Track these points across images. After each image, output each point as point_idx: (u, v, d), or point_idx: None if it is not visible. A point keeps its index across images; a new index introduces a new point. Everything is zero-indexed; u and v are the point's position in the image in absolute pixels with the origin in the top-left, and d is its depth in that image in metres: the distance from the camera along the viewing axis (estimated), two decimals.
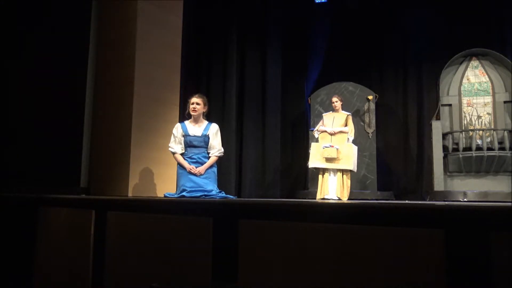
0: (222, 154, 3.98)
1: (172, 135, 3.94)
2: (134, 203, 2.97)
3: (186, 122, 3.96)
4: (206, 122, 3.96)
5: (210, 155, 3.89)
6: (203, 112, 3.96)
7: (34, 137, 4.67)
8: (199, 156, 3.85)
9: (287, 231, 2.00)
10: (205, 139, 3.87)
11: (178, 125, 3.98)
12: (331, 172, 5.15)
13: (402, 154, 7.11)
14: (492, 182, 6.11)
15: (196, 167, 3.79)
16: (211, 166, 3.90)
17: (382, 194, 6.46)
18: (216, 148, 3.90)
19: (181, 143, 3.91)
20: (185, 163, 3.83)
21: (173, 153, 3.93)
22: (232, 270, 2.13)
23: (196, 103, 3.90)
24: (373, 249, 1.76)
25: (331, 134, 5.21)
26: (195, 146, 3.87)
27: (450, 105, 6.57)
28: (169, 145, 3.94)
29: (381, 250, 1.74)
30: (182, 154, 3.90)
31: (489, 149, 6.05)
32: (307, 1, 7.59)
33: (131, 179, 4.19)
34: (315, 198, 5.29)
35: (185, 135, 3.88)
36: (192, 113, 3.90)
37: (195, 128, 3.91)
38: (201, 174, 3.78)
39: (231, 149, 6.52)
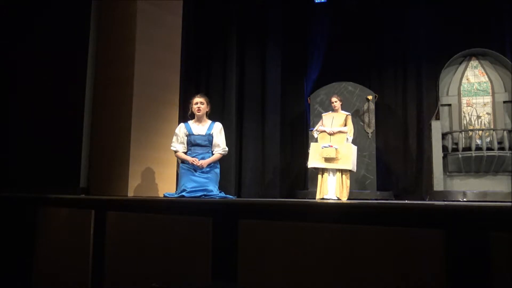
0: (226, 152, 3.98)
1: (175, 134, 3.95)
2: (133, 203, 2.97)
3: (190, 122, 3.97)
4: (209, 121, 3.98)
5: (214, 152, 3.90)
6: (206, 112, 3.98)
7: (34, 137, 4.67)
8: (204, 155, 3.85)
9: (287, 231, 2.01)
10: (209, 137, 3.88)
11: (182, 124, 3.99)
12: (330, 172, 5.15)
13: (402, 154, 7.12)
14: (492, 182, 6.12)
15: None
16: (214, 167, 3.89)
17: (381, 194, 6.46)
18: (220, 146, 3.90)
19: (183, 143, 3.91)
20: (187, 157, 3.83)
21: (175, 151, 3.94)
22: (232, 270, 2.13)
23: (200, 102, 3.92)
24: (372, 249, 1.77)
25: (330, 134, 5.21)
26: (199, 145, 3.87)
27: (449, 105, 6.58)
28: (172, 144, 3.95)
29: (380, 250, 1.75)
30: (185, 153, 3.90)
31: (488, 149, 6.05)
32: (306, 1, 7.59)
33: (130, 179, 4.18)
34: (315, 198, 5.29)
35: (189, 134, 3.89)
36: (196, 113, 3.91)
37: (199, 127, 3.92)
38: (203, 167, 3.78)
39: (231, 149, 6.50)
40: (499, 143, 6.04)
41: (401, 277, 1.69)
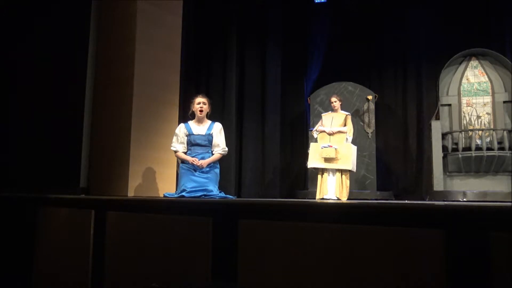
0: (226, 152, 3.98)
1: (175, 134, 3.95)
2: (133, 203, 2.97)
3: (190, 122, 3.98)
4: (209, 122, 3.99)
5: (214, 152, 3.90)
6: (207, 112, 3.99)
7: (34, 137, 4.67)
8: (204, 155, 3.85)
9: (287, 231, 2.01)
10: (209, 137, 3.89)
11: (182, 125, 3.99)
12: (330, 172, 5.15)
13: (402, 154, 7.11)
14: (492, 182, 6.12)
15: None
16: (214, 167, 3.90)
17: (381, 194, 6.46)
18: (220, 146, 3.91)
19: (183, 143, 3.92)
20: (187, 157, 3.84)
21: (175, 152, 3.94)
22: (232, 270, 2.13)
23: (203, 102, 3.93)
24: (372, 249, 1.77)
25: (330, 134, 5.21)
26: (199, 145, 3.87)
27: (449, 105, 6.58)
28: (172, 144, 3.96)
29: (380, 250, 1.75)
30: (184, 153, 3.91)
31: (488, 149, 6.05)
32: (306, 1, 7.59)
33: (130, 179, 4.18)
34: (315, 198, 5.29)
35: (189, 134, 3.90)
36: (198, 113, 3.92)
37: (199, 128, 3.93)
38: (203, 167, 3.78)
39: (231, 149, 6.50)
40: (499, 143, 6.04)
41: (401, 277, 1.69)
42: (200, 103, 3.93)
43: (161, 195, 4.31)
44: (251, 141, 6.99)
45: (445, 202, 3.10)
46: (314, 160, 5.21)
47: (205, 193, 3.67)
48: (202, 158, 3.83)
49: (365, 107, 6.77)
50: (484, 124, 6.29)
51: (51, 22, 4.79)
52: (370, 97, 6.76)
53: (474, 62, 6.52)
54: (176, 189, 4.01)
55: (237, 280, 2.10)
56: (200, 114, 3.92)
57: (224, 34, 6.92)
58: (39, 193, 3.52)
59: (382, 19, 7.22)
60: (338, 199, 5.01)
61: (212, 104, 4.09)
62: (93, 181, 4.45)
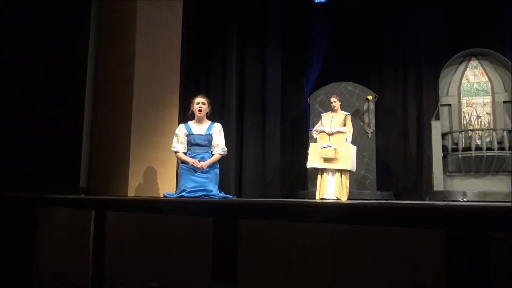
0: (226, 152, 3.98)
1: (175, 135, 3.96)
2: (133, 203, 2.97)
3: (190, 123, 3.98)
4: (209, 122, 4.00)
5: (213, 153, 3.90)
6: (207, 113, 3.99)
7: (34, 137, 4.67)
8: (203, 155, 3.85)
9: (287, 231, 2.01)
10: (209, 137, 3.89)
11: (182, 125, 4.00)
12: (330, 172, 5.15)
13: (402, 154, 7.12)
14: (492, 182, 6.12)
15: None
16: (214, 167, 3.90)
17: (381, 194, 6.47)
18: (219, 146, 3.91)
19: (183, 143, 3.92)
20: (187, 158, 3.84)
21: (176, 152, 3.94)
22: (232, 270, 2.13)
23: (202, 103, 3.94)
24: (372, 249, 1.77)
25: (329, 134, 5.21)
26: (199, 145, 3.87)
27: (449, 105, 6.58)
28: (172, 145, 3.96)
29: (380, 250, 1.75)
30: (185, 154, 3.91)
31: (488, 149, 6.06)
32: (306, 1, 7.59)
33: (131, 179, 4.18)
34: (315, 198, 5.29)
35: (189, 134, 3.90)
36: (198, 113, 3.93)
37: (199, 128, 3.93)
38: (203, 169, 3.78)
39: (231, 149, 6.51)
40: (499, 143, 6.04)
41: (401, 277, 1.69)
42: (199, 103, 3.93)
43: (161, 195, 4.31)
44: (251, 141, 6.99)
45: (445, 202, 3.10)
46: (313, 160, 5.21)
47: (205, 193, 3.67)
48: (202, 158, 3.84)
49: (365, 107, 6.78)
50: (484, 124, 6.29)
51: (51, 22, 4.79)
52: (370, 97, 6.77)
53: (474, 62, 6.52)
54: (176, 189, 4.01)
55: (237, 280, 2.11)
56: (199, 114, 3.92)
57: (224, 34, 6.92)
58: (39, 193, 3.52)
59: (382, 19, 7.22)
60: (338, 199, 5.01)
61: (212, 104, 4.09)
62: (93, 181, 4.45)
